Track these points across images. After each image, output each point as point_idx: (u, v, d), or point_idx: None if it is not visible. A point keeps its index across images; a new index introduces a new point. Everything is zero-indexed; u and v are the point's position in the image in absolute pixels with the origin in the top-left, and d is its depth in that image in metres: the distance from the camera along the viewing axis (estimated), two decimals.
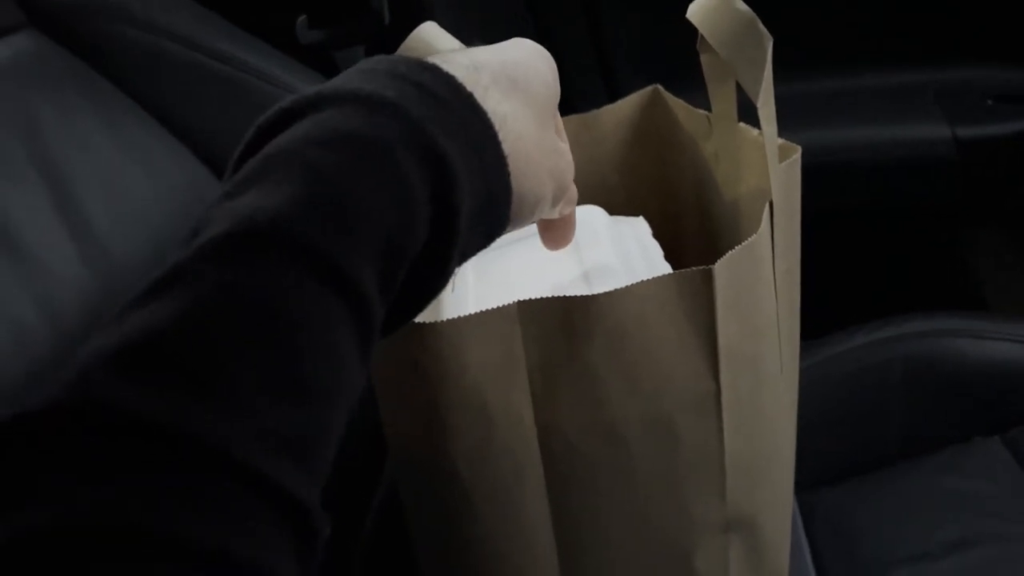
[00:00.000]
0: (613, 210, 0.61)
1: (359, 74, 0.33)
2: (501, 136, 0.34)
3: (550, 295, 0.41)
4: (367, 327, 0.29)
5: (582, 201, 0.63)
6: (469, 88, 0.34)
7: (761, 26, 0.45)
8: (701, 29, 0.46)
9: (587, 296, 0.40)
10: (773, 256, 0.46)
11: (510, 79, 0.36)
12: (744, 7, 0.45)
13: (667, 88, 0.64)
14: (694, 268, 0.40)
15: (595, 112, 0.64)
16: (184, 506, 0.24)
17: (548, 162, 0.38)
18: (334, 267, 0.28)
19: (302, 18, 0.85)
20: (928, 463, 0.80)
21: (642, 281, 0.40)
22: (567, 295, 0.40)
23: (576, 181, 0.66)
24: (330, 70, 0.83)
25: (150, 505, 0.23)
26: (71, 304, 0.59)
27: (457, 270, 0.35)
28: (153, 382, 0.25)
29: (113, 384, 0.25)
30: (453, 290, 0.52)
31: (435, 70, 0.34)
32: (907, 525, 0.75)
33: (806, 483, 0.78)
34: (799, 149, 0.51)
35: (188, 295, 0.26)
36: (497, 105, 0.35)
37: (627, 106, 0.65)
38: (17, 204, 0.61)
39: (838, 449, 0.83)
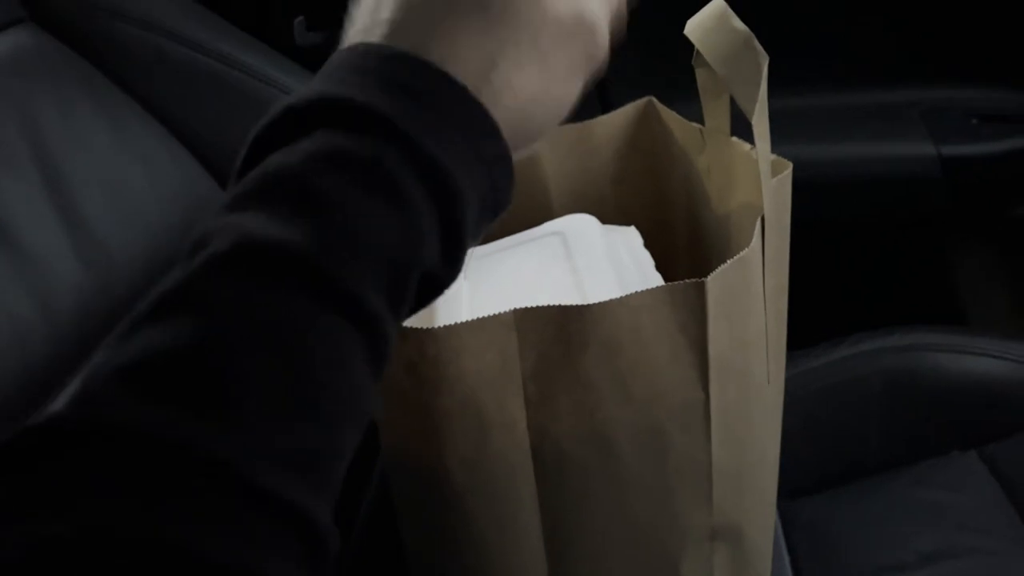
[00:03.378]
0: (605, 220, 0.61)
1: (347, 75, 0.32)
2: (496, 102, 0.33)
3: (546, 303, 0.42)
4: (378, 346, 0.29)
5: (574, 211, 0.64)
6: (461, 79, 0.32)
7: (757, 44, 0.46)
8: (698, 46, 0.47)
9: (582, 305, 0.41)
10: (763, 270, 0.47)
11: (481, 6, 0.33)
12: (741, 25, 0.46)
13: (660, 100, 0.65)
14: (687, 280, 0.41)
15: (588, 122, 0.65)
16: (197, 522, 0.24)
17: (560, 71, 0.35)
18: (342, 293, 0.28)
19: (300, 19, 0.85)
20: (906, 475, 0.81)
21: (636, 292, 0.41)
22: (563, 304, 0.41)
23: (568, 191, 0.68)
24: None
25: (164, 521, 0.24)
26: (66, 300, 0.60)
27: None
28: (161, 401, 0.25)
29: (124, 402, 0.25)
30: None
31: (426, 70, 0.32)
32: (884, 536, 0.76)
33: (786, 492, 0.79)
34: (790, 165, 0.52)
35: (194, 315, 0.27)
36: (481, 65, 0.33)
37: (621, 117, 0.66)
38: (15, 199, 0.61)
39: (818, 459, 0.84)
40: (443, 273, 0.33)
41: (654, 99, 0.65)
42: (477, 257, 0.58)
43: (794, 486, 0.81)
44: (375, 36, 0.33)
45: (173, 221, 0.67)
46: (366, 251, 0.29)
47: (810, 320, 0.83)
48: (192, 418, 0.25)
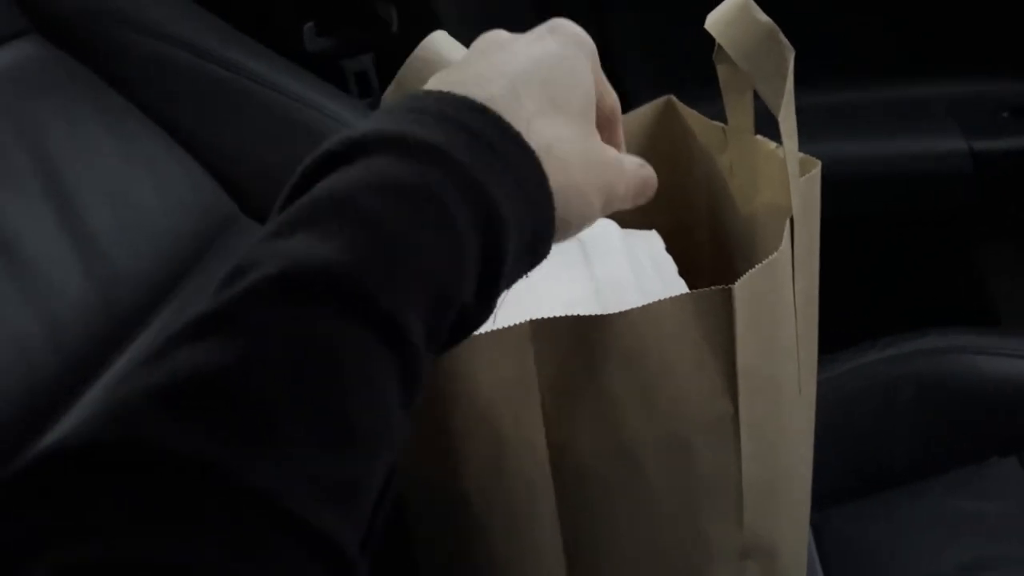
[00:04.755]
0: (624, 223, 0.59)
1: (406, 114, 0.33)
2: (546, 169, 0.34)
3: (563, 314, 0.40)
4: (413, 378, 0.29)
5: None
6: (516, 127, 0.33)
7: (783, 37, 0.44)
8: (720, 40, 0.45)
9: (602, 315, 0.39)
10: (793, 274, 0.44)
11: (551, 98, 0.36)
12: (765, 18, 0.43)
13: (677, 98, 0.63)
14: (713, 288, 0.39)
15: None
16: (228, 550, 0.24)
17: (594, 179, 0.37)
18: (386, 318, 0.28)
19: (309, 25, 0.84)
20: (942, 483, 0.78)
21: (659, 300, 0.39)
22: (582, 314, 0.39)
23: None
24: (337, 78, 0.82)
25: (195, 547, 0.23)
26: (73, 317, 0.58)
27: None
28: (201, 424, 0.25)
29: (160, 424, 0.25)
30: None
31: (483, 112, 0.33)
32: (920, 546, 0.74)
33: (816, 503, 0.77)
34: (819, 163, 0.50)
35: (238, 338, 0.26)
36: (541, 135, 0.34)
37: (640, 117, 0.64)
38: (20, 215, 0.60)
39: (849, 468, 0.82)
40: (475, 311, 0.33)
41: (673, 98, 0.63)
42: None
43: (824, 496, 0.79)
44: (441, 87, 0.34)
45: (180, 231, 0.66)
46: (413, 277, 0.29)
47: (835, 323, 0.80)
48: (229, 443, 0.25)
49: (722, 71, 0.54)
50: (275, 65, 0.78)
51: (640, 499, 0.42)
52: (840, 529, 0.77)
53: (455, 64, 0.37)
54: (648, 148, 0.65)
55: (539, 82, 0.36)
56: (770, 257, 0.40)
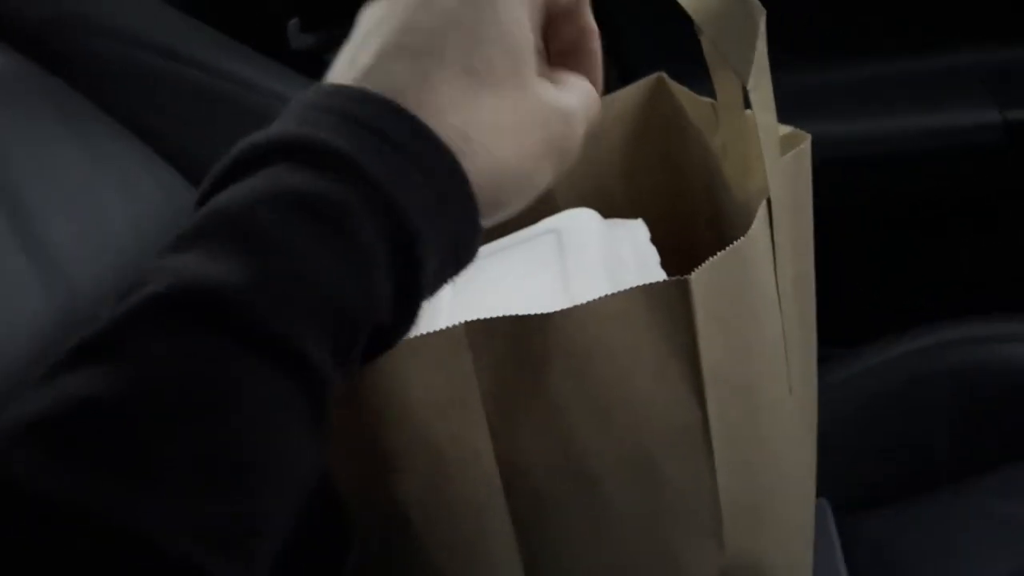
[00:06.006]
0: (615, 213, 0.55)
1: (313, 113, 0.31)
2: (468, 160, 0.31)
3: (518, 311, 0.36)
4: (319, 403, 0.27)
5: (578, 204, 0.58)
6: (428, 121, 0.31)
7: None
8: (682, 3, 0.40)
9: (542, 315, 0.34)
10: (775, 261, 0.40)
11: (467, 69, 0.32)
12: None
13: (687, 74, 0.58)
14: (667, 279, 0.34)
15: None
16: None
17: (535, 146, 0.33)
18: (279, 343, 0.26)
19: (293, 21, 0.81)
20: (982, 485, 0.73)
21: (606, 296, 0.34)
22: (519, 315, 0.35)
23: (573, 184, 0.61)
24: (321, 75, 0.79)
25: None
26: (26, 336, 0.55)
27: None
28: (73, 463, 0.23)
29: (29, 463, 0.23)
30: None
31: (392, 110, 0.30)
32: (958, 554, 0.69)
33: (846, 508, 0.72)
34: (808, 137, 0.45)
35: (118, 363, 0.25)
36: (458, 125, 0.31)
37: (627, 97, 0.59)
38: None
39: (881, 470, 0.77)
40: (393, 327, 0.31)
41: (664, 75, 0.59)
42: None
43: (855, 500, 0.74)
44: (348, 79, 0.32)
45: (150, 242, 0.63)
46: (311, 297, 0.27)
47: (863, 315, 0.75)
48: (105, 483, 0.23)
49: (705, 41, 0.49)
50: (256, 66, 0.75)
51: (602, 518, 0.38)
52: (873, 537, 0.72)
53: (362, 39, 0.34)
54: (639, 131, 0.61)
55: (452, 51, 0.32)
56: (735, 244, 0.36)
